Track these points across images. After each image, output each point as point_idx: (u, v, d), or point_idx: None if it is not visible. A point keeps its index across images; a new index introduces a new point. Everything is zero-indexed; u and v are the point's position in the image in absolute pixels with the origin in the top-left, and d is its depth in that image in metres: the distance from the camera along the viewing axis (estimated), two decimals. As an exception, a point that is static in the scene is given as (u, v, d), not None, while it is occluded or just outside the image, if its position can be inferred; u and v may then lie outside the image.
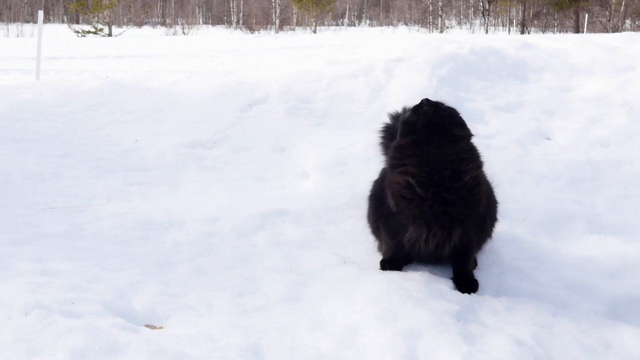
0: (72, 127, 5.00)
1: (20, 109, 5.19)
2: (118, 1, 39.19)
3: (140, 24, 52.14)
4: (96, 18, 39.32)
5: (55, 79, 8.60)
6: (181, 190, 4.13)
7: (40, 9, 10.73)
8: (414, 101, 3.07)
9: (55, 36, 37.18)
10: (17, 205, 3.72)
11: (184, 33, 42.22)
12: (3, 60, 14.64)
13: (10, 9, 58.70)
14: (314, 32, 43.28)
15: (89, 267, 3.00)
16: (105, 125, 5.11)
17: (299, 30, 48.40)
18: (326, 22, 51.47)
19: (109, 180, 4.20)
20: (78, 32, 37.00)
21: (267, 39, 24.62)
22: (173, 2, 65.84)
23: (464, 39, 9.12)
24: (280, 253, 3.31)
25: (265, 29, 49.02)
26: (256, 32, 44.22)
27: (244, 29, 48.67)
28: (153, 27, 58.05)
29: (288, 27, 52.21)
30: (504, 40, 8.34)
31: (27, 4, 62.70)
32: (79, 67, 13.43)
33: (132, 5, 43.35)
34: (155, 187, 4.17)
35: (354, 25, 58.98)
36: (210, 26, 62.87)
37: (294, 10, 51.70)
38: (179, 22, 51.02)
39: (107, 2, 37.55)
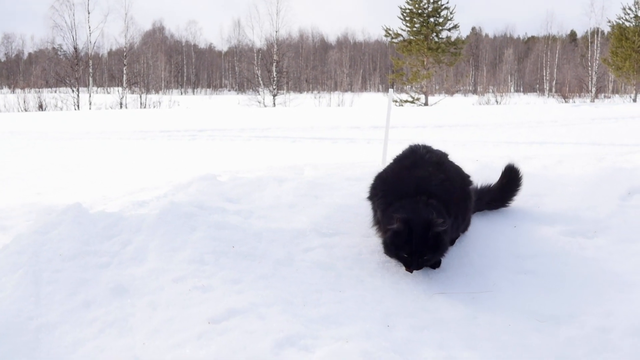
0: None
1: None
2: (435, 72, 41.13)
3: (452, 93, 54.55)
4: (413, 87, 41.46)
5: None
6: (568, 281, 3.88)
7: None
8: None
9: (376, 103, 40.95)
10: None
11: (496, 102, 41.59)
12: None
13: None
14: (634, 100, 40.68)
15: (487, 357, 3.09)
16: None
17: (616, 98, 45.89)
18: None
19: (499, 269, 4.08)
20: (396, 101, 39.05)
21: (586, 108, 23.59)
22: (485, 70, 68.11)
23: None
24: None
25: (580, 96, 47.67)
26: (570, 100, 43.20)
27: (556, 97, 47.88)
28: (464, 96, 59.93)
29: (603, 94, 50.00)
30: None
31: (347, 75, 70.73)
32: (401, 137, 12.65)
33: (447, 75, 45.77)
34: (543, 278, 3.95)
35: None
36: (521, 94, 62.80)
37: (611, 78, 49.53)
38: (491, 90, 50.98)
39: (425, 73, 39.77)
